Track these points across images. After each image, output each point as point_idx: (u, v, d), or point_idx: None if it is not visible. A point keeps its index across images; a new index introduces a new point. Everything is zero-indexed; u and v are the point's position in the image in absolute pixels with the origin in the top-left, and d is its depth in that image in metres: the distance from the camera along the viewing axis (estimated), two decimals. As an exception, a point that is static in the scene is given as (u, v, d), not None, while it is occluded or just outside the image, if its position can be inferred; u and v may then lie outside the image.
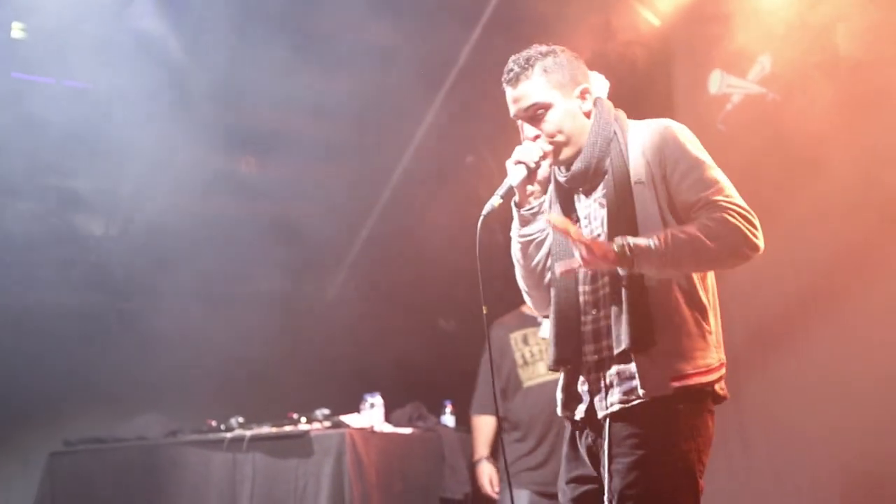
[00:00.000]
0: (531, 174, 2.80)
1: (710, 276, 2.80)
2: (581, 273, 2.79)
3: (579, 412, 2.81)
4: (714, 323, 2.76)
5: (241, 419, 5.35)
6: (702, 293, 2.74)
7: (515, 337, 5.28)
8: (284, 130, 6.54)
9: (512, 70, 2.81)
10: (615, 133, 2.80)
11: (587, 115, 2.82)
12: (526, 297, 3.03)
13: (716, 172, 2.73)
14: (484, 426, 5.31)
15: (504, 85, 2.84)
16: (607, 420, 2.71)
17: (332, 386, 6.10)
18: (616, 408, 2.70)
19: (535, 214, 2.88)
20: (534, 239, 2.89)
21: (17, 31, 5.75)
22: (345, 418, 5.04)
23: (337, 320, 6.86)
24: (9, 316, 6.08)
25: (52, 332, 6.13)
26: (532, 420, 5.09)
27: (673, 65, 5.52)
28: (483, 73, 6.15)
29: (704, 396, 2.71)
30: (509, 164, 2.81)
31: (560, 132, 2.78)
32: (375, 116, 6.41)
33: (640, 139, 2.77)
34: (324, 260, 7.21)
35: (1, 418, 6.13)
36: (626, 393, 2.69)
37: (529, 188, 2.85)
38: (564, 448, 2.91)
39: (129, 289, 6.51)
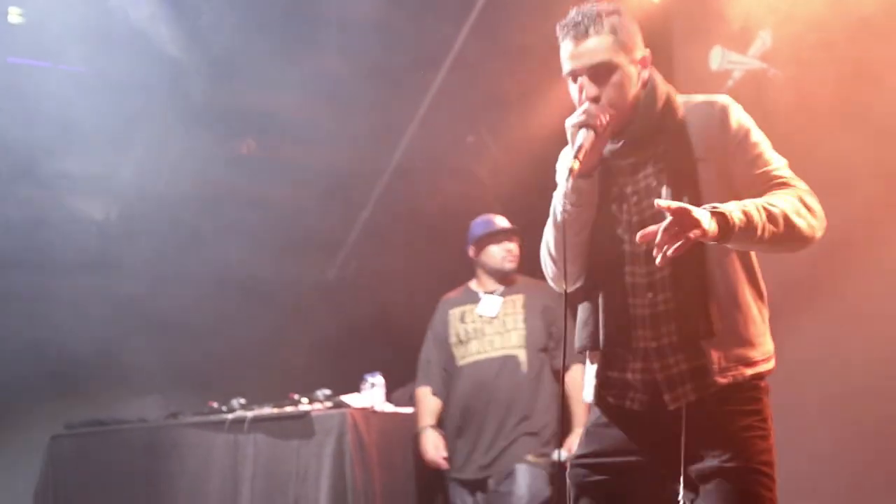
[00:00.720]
0: (597, 139, 2.58)
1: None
2: (627, 252, 2.64)
3: (635, 402, 2.65)
4: (767, 308, 2.68)
5: (242, 400, 5.36)
6: (759, 276, 2.66)
7: (454, 313, 5.21)
8: (281, 113, 6.52)
9: (580, 23, 2.60)
10: (671, 105, 2.68)
11: (644, 84, 2.67)
12: (550, 268, 2.79)
13: (777, 155, 2.65)
14: (426, 397, 5.17)
15: (564, 37, 2.63)
16: (682, 410, 2.57)
17: (333, 366, 6.11)
18: (693, 397, 2.57)
19: (592, 183, 2.67)
20: (587, 209, 2.68)
21: (14, 16, 5.74)
22: (346, 398, 5.04)
23: (337, 300, 6.86)
24: (8, 300, 6.08)
25: (51, 315, 6.12)
26: (464, 397, 5.02)
27: (673, 42, 5.47)
28: (481, 51, 6.20)
29: (763, 383, 2.64)
30: (571, 126, 2.58)
31: (620, 97, 2.61)
32: (374, 98, 6.38)
33: (698, 115, 2.66)
34: (324, 241, 7.20)
35: (1, 402, 6.14)
36: (701, 381, 2.55)
37: (591, 155, 2.61)
38: (591, 426, 2.76)
39: (130, 272, 6.49)
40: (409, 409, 5.30)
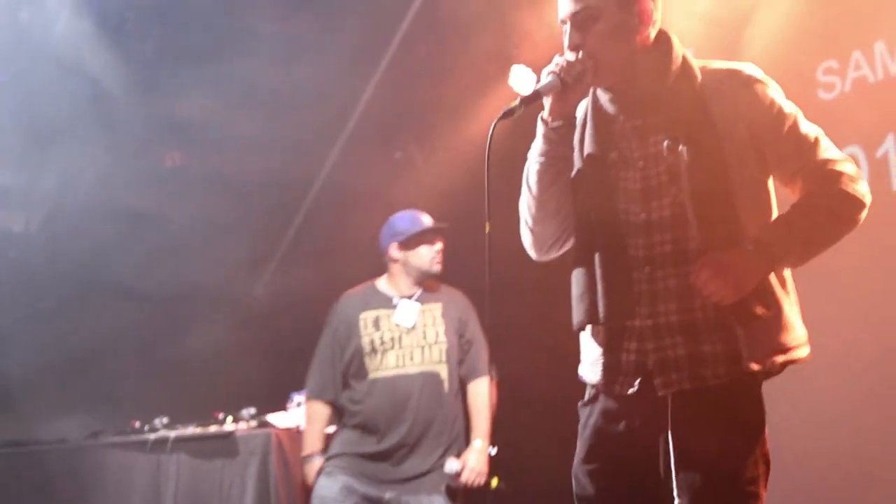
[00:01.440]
0: (566, 90, 2.45)
1: None
2: (622, 223, 2.47)
3: (628, 386, 2.46)
4: (795, 294, 2.51)
5: (165, 420, 5.28)
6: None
7: (366, 318, 4.72)
8: (208, 125, 6.43)
9: None
10: (688, 69, 2.49)
11: (644, 40, 2.48)
12: (524, 232, 2.66)
13: (809, 126, 2.49)
14: (319, 414, 4.71)
15: None
16: (668, 398, 2.40)
17: (259, 384, 6.02)
18: (687, 385, 2.39)
19: (562, 134, 2.52)
20: (555, 162, 2.54)
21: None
22: (271, 418, 4.98)
23: (264, 317, 6.79)
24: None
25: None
26: (376, 414, 4.57)
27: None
28: (412, 66, 6.19)
29: (775, 374, 2.45)
30: (544, 72, 2.46)
31: (605, 48, 2.44)
32: (304, 109, 6.33)
33: (721, 82, 2.48)
34: (251, 256, 7.12)
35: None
36: (699, 368, 2.38)
37: (559, 105, 2.49)
38: (593, 423, 2.55)
39: (51, 286, 6.36)
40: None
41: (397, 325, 4.67)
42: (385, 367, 4.64)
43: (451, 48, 5.86)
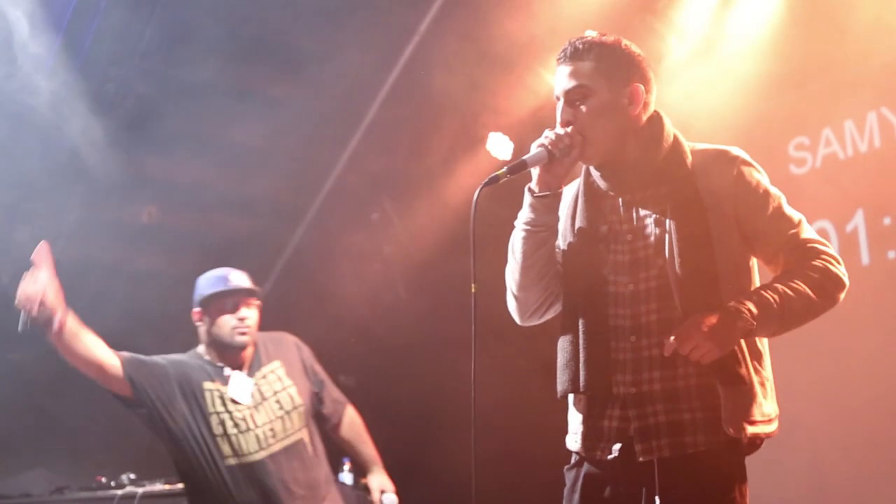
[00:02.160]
0: (553, 162, 2.54)
1: None
2: (611, 293, 2.55)
3: (608, 451, 2.51)
4: (770, 370, 2.56)
5: (132, 475, 5.21)
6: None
7: (212, 392, 3.99)
8: (182, 182, 6.47)
9: (567, 48, 2.60)
10: (678, 148, 2.60)
11: (635, 121, 2.59)
12: (509, 299, 2.71)
13: (793, 210, 2.58)
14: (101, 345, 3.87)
15: (557, 62, 2.63)
16: (655, 464, 2.44)
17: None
18: (667, 453, 2.44)
19: (547, 204, 2.59)
20: (539, 231, 2.60)
21: None
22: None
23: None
24: None
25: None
26: None
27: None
28: (391, 128, 6.27)
29: (755, 448, 2.52)
30: (533, 144, 2.56)
31: (595, 125, 2.55)
32: (280, 167, 6.38)
33: (709, 163, 2.57)
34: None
35: None
36: (679, 436, 2.44)
37: (546, 177, 2.57)
38: (580, 488, 2.59)
39: (22, 337, 6.30)
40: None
41: (235, 402, 3.98)
42: (246, 452, 3.94)
43: (427, 115, 5.95)
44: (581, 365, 2.53)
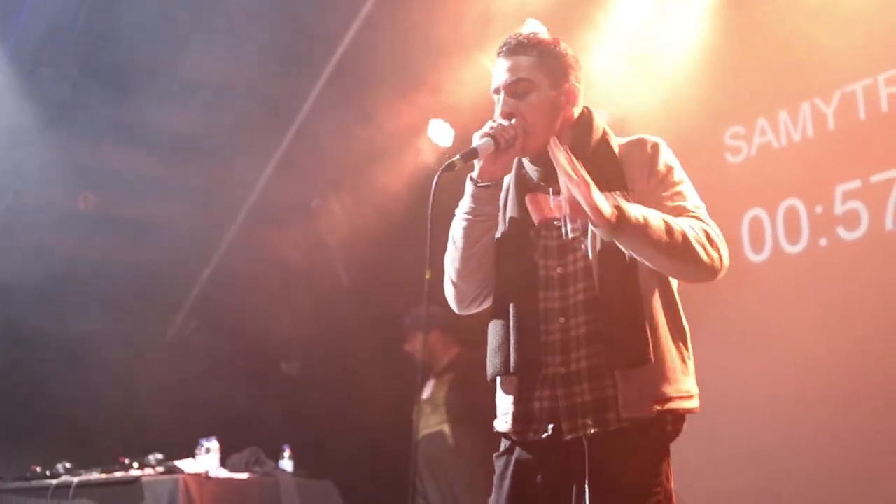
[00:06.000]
0: (499, 152, 2.60)
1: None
2: (542, 277, 2.61)
3: (542, 431, 2.55)
4: (691, 350, 2.62)
5: (68, 464, 5.16)
6: (682, 316, 2.63)
7: None
8: (122, 169, 6.40)
9: (510, 42, 2.67)
10: (606, 140, 2.69)
11: (569, 117, 2.68)
12: (448, 287, 2.75)
13: (696, 196, 2.64)
14: None
15: (497, 55, 2.68)
16: (584, 442, 2.49)
17: (168, 430, 5.94)
18: (592, 430, 2.49)
19: (490, 193, 2.67)
20: (481, 220, 2.67)
21: None
22: (179, 463, 4.90)
23: (175, 362, 6.69)
24: None
25: None
26: None
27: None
28: (329, 114, 6.24)
29: (680, 424, 2.57)
30: (476, 135, 2.61)
31: (536, 118, 2.62)
32: (220, 155, 6.33)
33: (631, 151, 2.66)
34: (164, 301, 7.05)
35: None
36: (603, 412, 2.49)
37: (490, 167, 2.63)
38: (510, 475, 2.62)
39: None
40: (244, 475, 5.19)
41: None
42: None
43: (368, 100, 5.93)
44: (511, 347, 2.58)
